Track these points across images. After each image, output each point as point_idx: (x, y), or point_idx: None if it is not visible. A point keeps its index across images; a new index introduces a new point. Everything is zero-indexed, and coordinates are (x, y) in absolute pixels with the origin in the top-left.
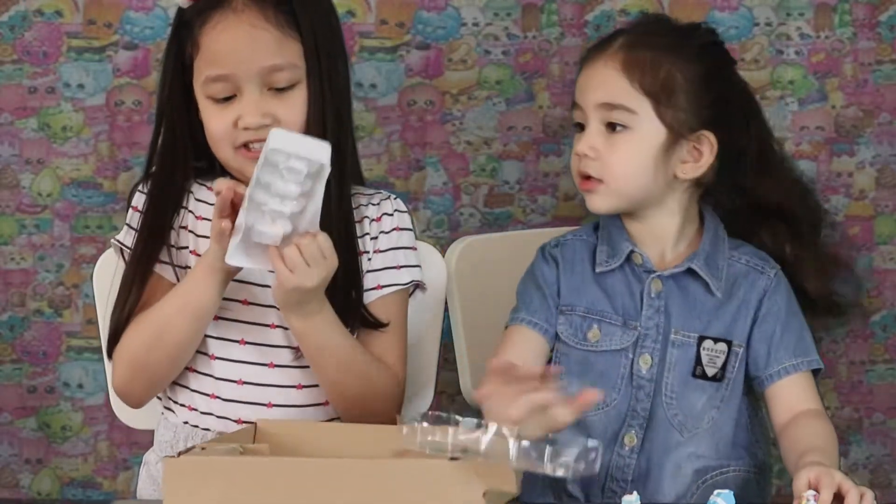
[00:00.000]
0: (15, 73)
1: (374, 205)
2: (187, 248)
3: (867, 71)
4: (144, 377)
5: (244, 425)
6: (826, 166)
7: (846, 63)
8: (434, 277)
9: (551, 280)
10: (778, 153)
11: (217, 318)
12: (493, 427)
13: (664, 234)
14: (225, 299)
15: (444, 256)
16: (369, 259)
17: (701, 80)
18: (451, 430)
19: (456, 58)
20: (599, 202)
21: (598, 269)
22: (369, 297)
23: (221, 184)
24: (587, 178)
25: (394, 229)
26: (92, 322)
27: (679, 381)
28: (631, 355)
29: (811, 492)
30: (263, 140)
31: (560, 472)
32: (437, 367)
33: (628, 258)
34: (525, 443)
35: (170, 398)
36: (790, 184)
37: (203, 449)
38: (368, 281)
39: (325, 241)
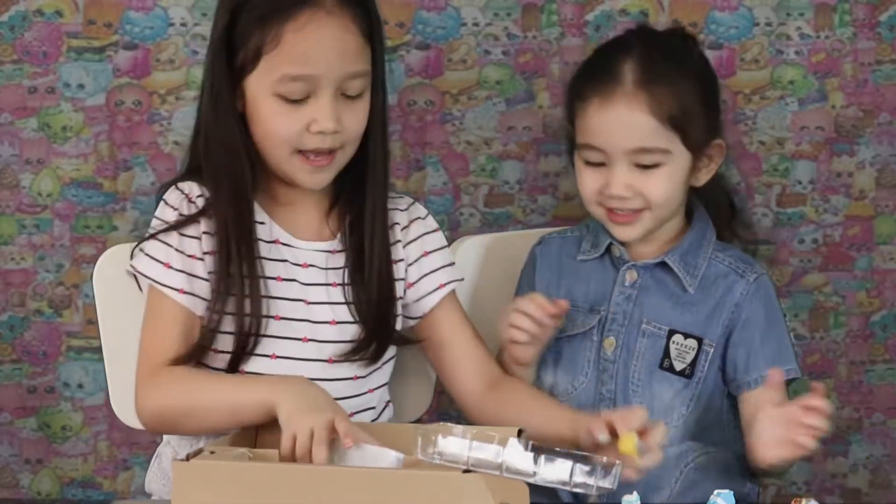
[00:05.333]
0: (15, 73)
1: (401, 210)
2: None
3: (867, 71)
4: (170, 429)
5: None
6: (826, 166)
7: (846, 63)
8: None
9: (526, 288)
10: None
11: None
12: (511, 441)
13: (656, 235)
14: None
15: None
16: (404, 266)
17: (706, 95)
18: (467, 442)
19: (456, 58)
20: (638, 230)
21: (579, 258)
22: (433, 300)
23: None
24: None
25: (434, 230)
26: (92, 322)
27: (646, 370)
28: (596, 338)
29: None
30: (329, 147)
31: (578, 489)
32: None
33: (608, 249)
34: (542, 457)
35: None
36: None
37: (212, 452)
38: (428, 283)
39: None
